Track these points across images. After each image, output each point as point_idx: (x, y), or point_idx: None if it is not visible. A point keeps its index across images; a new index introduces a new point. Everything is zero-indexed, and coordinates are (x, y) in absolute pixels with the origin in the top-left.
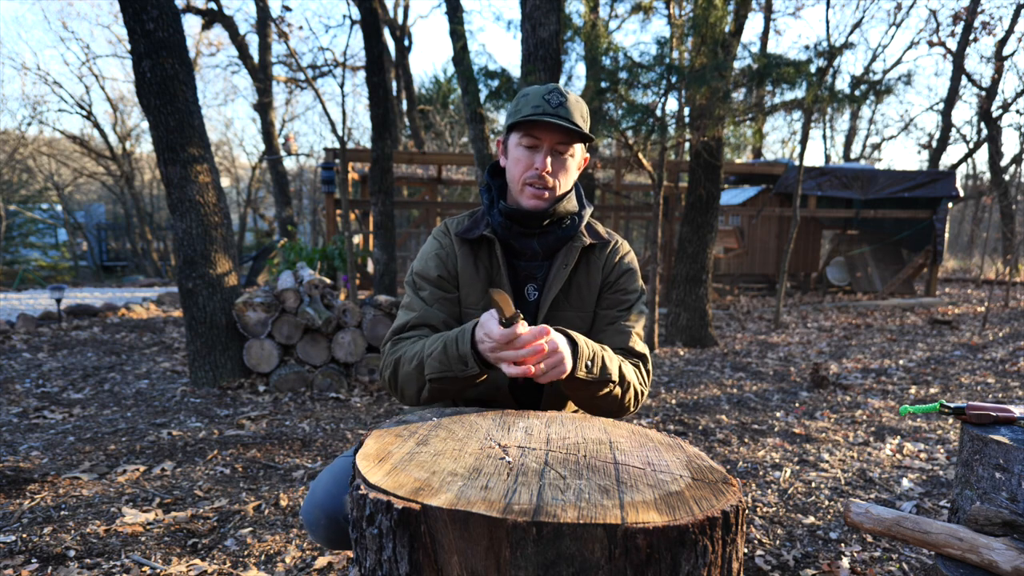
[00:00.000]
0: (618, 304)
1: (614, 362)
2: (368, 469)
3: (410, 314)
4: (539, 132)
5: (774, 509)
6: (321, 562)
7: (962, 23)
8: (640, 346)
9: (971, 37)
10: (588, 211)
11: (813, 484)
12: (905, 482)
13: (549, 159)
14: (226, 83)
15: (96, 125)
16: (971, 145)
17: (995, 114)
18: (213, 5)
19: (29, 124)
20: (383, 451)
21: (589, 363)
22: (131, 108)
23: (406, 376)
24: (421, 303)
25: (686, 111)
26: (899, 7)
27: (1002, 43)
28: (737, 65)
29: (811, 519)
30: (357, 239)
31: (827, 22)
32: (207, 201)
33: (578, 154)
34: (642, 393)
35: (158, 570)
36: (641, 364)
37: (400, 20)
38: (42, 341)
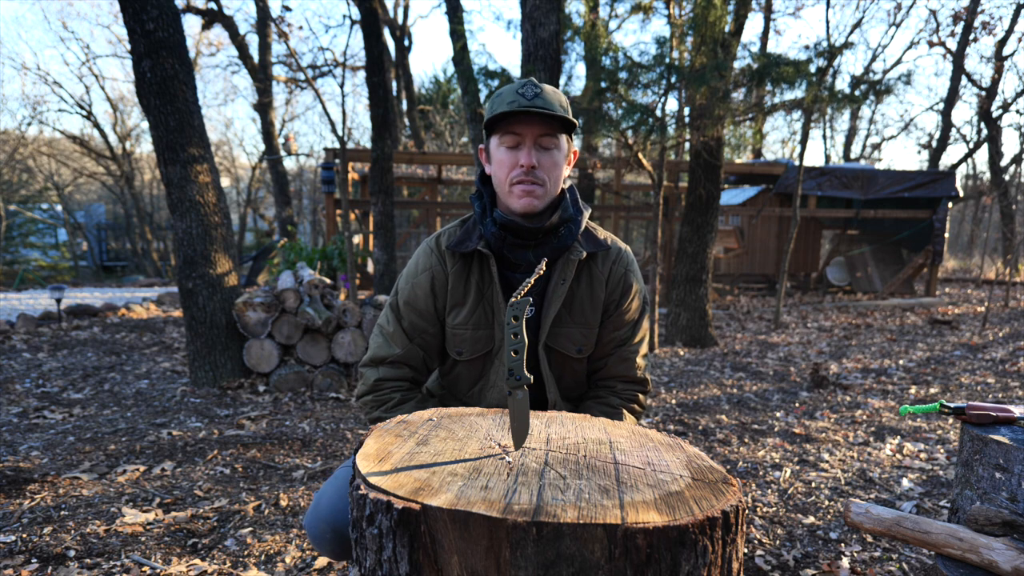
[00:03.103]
0: (622, 325)
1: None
2: (368, 469)
3: (391, 348)
4: (519, 127)
5: (774, 509)
6: (321, 562)
7: (962, 23)
8: (641, 371)
9: (971, 37)
10: (586, 215)
11: (813, 484)
12: (905, 482)
13: (534, 153)
14: (226, 83)
15: (96, 125)
16: (971, 145)
17: (995, 114)
18: (213, 5)
19: (29, 124)
20: (383, 451)
21: None
22: (131, 108)
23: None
24: (403, 336)
25: (686, 111)
26: (899, 7)
27: (1002, 43)
28: (737, 65)
29: (811, 519)
30: (357, 239)
31: (827, 22)
32: (207, 201)
33: (564, 146)
34: (635, 421)
35: (158, 570)
36: (639, 392)
37: (400, 20)
38: (42, 341)
